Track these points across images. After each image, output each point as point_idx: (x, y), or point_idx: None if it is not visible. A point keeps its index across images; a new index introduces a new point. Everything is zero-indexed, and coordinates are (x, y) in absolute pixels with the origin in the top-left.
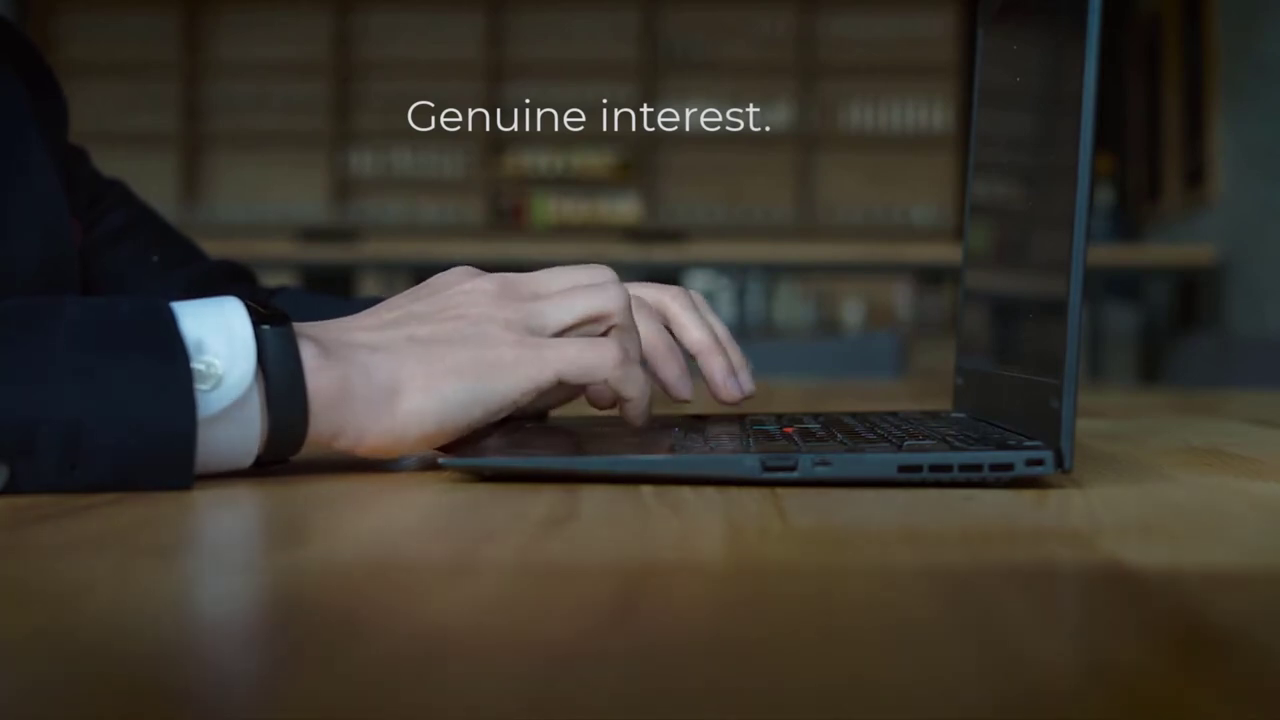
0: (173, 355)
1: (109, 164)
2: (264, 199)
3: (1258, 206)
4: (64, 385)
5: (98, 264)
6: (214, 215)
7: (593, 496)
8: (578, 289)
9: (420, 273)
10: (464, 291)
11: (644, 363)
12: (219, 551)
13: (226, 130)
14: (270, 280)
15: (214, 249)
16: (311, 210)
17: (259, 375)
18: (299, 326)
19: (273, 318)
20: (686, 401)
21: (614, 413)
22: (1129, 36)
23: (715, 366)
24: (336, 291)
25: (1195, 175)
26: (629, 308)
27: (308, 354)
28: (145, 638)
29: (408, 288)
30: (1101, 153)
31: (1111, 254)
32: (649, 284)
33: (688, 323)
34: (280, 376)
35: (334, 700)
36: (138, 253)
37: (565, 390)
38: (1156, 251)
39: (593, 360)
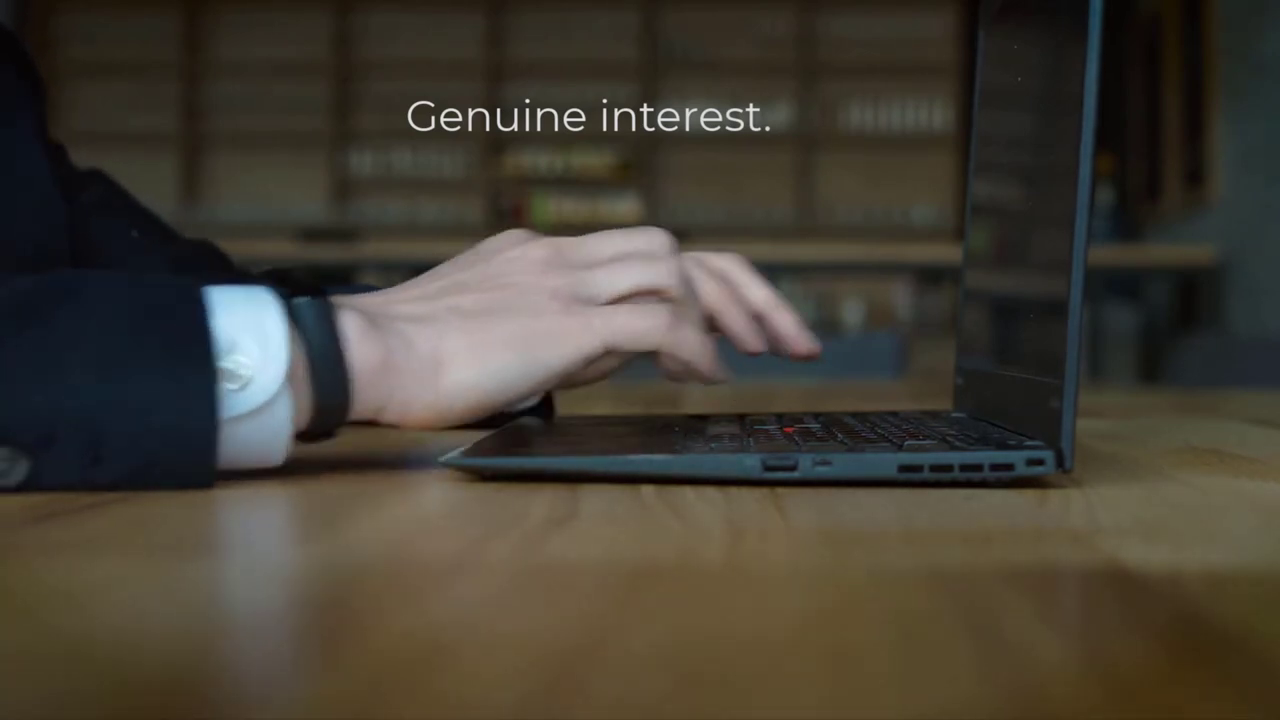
0: (200, 354)
1: (109, 164)
2: (264, 199)
3: (1258, 206)
4: (86, 378)
5: (78, 237)
6: (214, 215)
7: (593, 496)
8: (633, 259)
9: (420, 273)
10: (510, 259)
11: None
12: (220, 551)
13: (226, 130)
14: None
15: None
16: (311, 210)
17: (301, 346)
18: (341, 299)
19: (309, 290)
20: (757, 353)
21: (614, 412)
22: (1129, 36)
23: (786, 321)
24: None
25: (1195, 175)
26: (685, 280)
27: (351, 325)
28: (151, 637)
29: None
30: (1101, 153)
31: (1111, 254)
32: (706, 253)
33: (750, 283)
34: (321, 349)
35: (332, 700)
36: (118, 227)
37: (616, 358)
38: (1156, 251)
39: (641, 327)
